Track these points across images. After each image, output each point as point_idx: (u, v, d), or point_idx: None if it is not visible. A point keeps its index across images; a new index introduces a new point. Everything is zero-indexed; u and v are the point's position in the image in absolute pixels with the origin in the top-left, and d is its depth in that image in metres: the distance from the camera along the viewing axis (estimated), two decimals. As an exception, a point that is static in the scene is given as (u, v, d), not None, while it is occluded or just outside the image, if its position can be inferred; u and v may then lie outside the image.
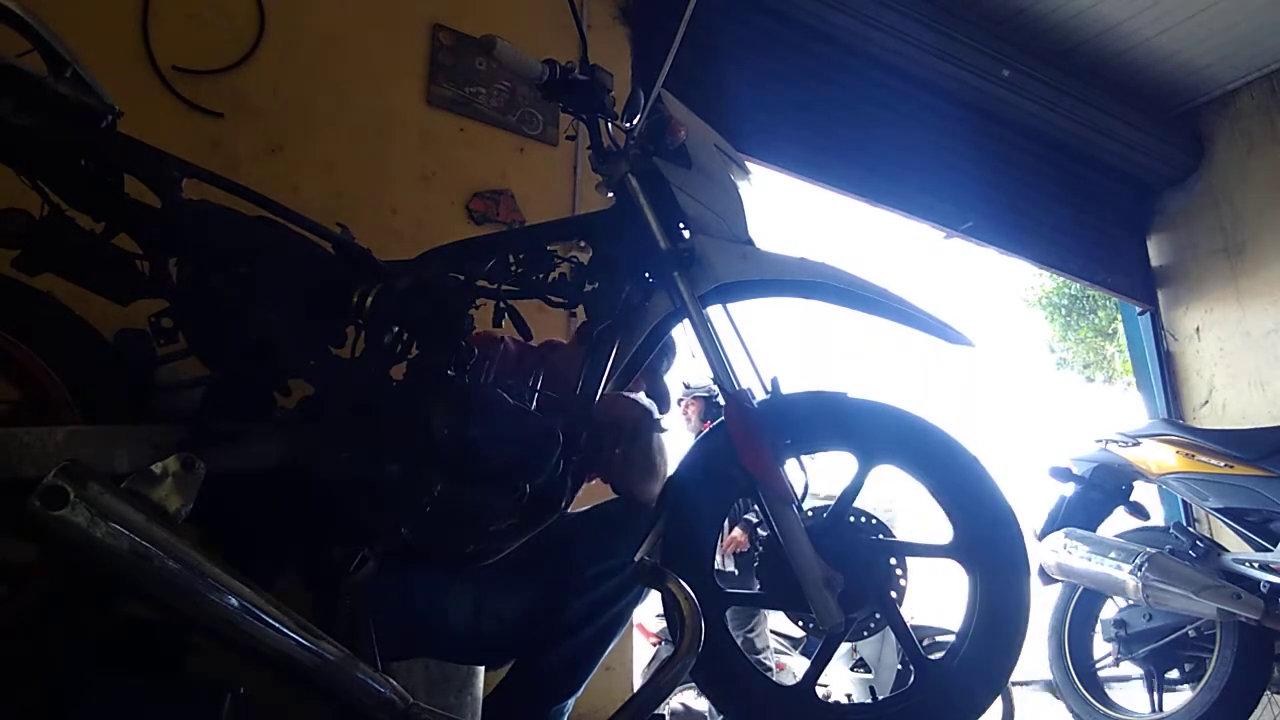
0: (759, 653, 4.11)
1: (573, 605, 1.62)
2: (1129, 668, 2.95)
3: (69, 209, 1.30)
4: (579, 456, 1.51)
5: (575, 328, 1.63)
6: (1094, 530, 2.90)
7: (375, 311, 1.39)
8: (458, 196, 2.78)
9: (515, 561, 1.55)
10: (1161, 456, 2.79)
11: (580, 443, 1.52)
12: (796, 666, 5.09)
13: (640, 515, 1.66)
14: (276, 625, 1.13)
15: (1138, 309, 5.01)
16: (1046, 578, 2.94)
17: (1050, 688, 3.09)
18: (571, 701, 1.69)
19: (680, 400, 4.49)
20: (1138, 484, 2.96)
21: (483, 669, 1.80)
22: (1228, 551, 2.64)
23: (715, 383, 1.58)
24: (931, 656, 1.61)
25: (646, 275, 1.61)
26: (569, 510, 1.58)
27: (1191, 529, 2.92)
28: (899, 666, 4.64)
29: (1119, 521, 2.96)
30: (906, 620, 1.58)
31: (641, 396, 1.76)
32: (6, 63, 1.19)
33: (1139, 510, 2.94)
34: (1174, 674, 2.85)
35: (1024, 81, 4.34)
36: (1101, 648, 3.04)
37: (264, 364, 1.34)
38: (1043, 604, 3.09)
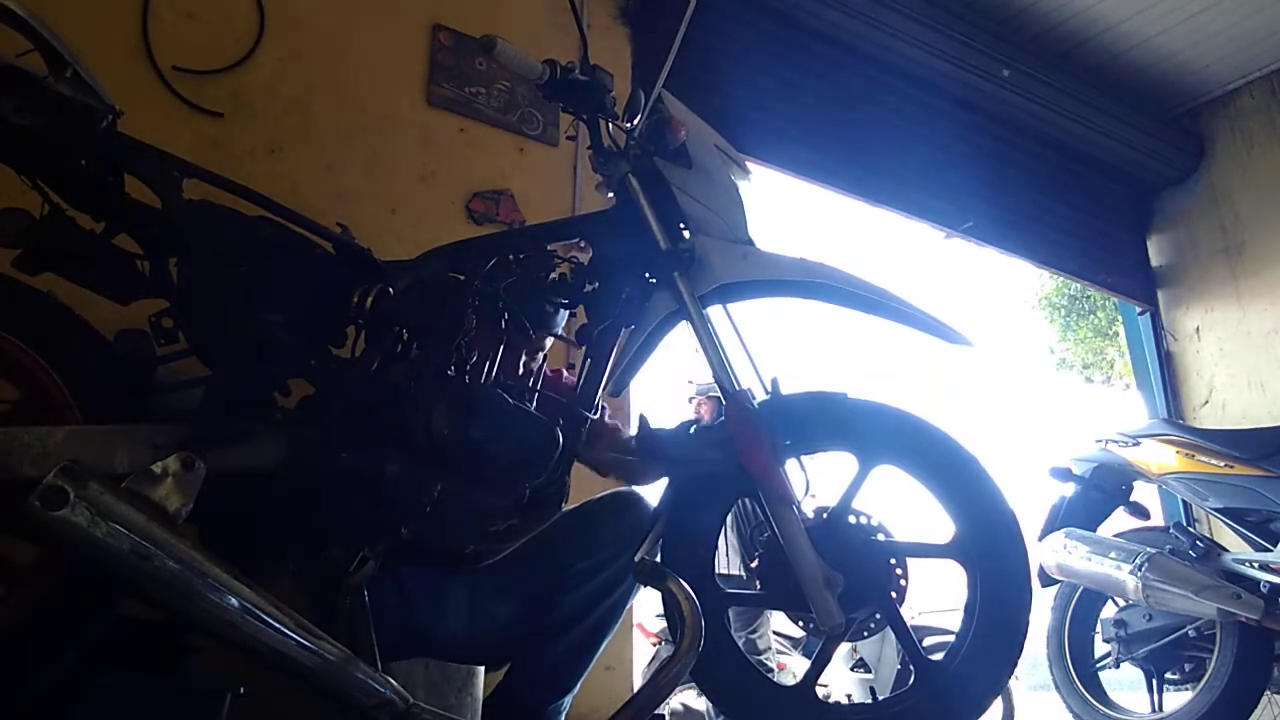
0: (761, 654, 4.11)
1: (564, 602, 1.62)
2: (1129, 668, 2.95)
3: (69, 209, 1.31)
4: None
5: (575, 328, 1.63)
6: (1094, 530, 2.89)
7: (375, 311, 1.39)
8: (458, 196, 2.78)
9: (506, 561, 1.55)
10: (1161, 456, 2.79)
11: (580, 443, 1.52)
12: (797, 666, 5.10)
13: (627, 510, 1.66)
14: (276, 625, 1.13)
15: (1138, 309, 5.00)
16: (1046, 578, 2.94)
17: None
18: (569, 699, 1.69)
19: (691, 399, 4.49)
20: (1138, 484, 2.96)
21: (482, 669, 1.80)
22: (1228, 551, 2.64)
23: (715, 382, 1.58)
24: (932, 656, 1.62)
25: (647, 275, 1.61)
26: None
27: (1191, 529, 2.91)
28: (899, 666, 4.65)
29: (1119, 521, 2.96)
30: (906, 620, 1.58)
31: None
32: (6, 63, 1.19)
33: (1139, 510, 2.94)
34: (1174, 674, 2.85)
35: (1024, 81, 4.33)
36: (1101, 648, 3.04)
37: (264, 364, 1.34)
38: (1043, 604, 3.09)
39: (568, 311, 1.67)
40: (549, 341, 1.81)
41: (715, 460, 1.54)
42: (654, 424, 1.69)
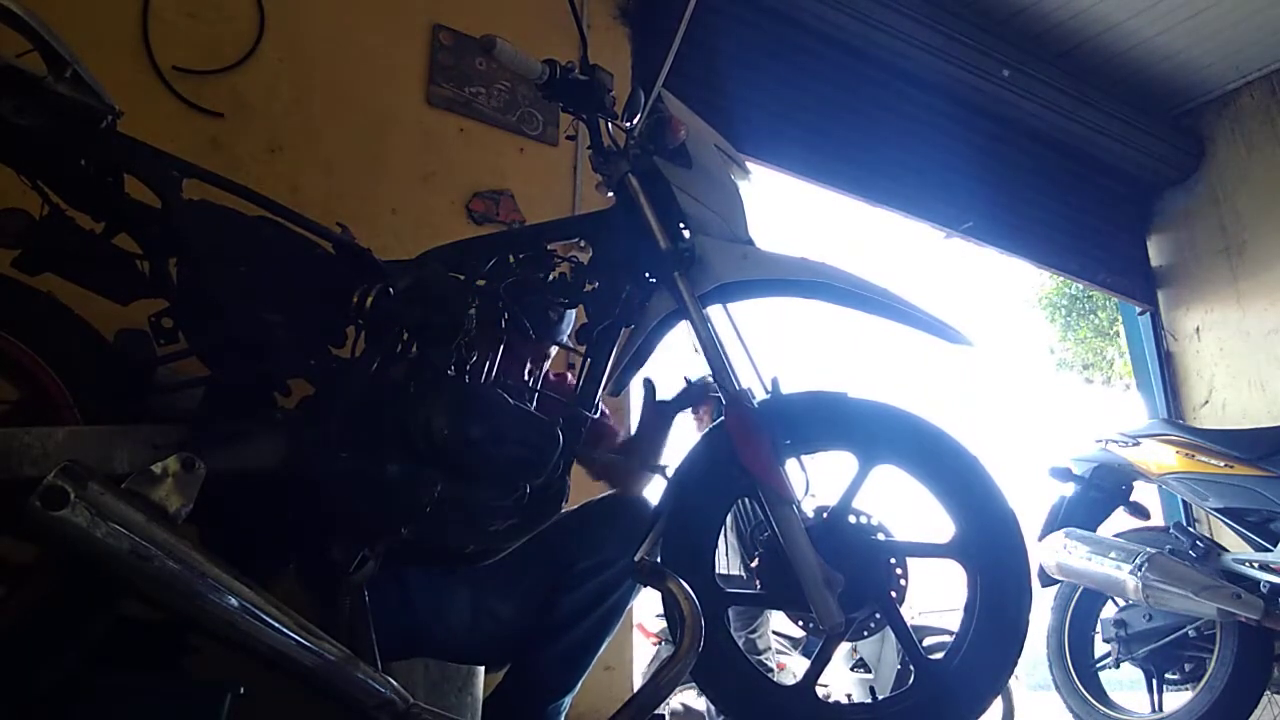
0: (761, 653, 4.10)
1: (565, 601, 1.62)
2: (1129, 668, 2.95)
3: (69, 209, 1.30)
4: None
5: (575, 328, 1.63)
6: (1094, 530, 2.89)
7: (375, 311, 1.39)
8: (458, 196, 2.78)
9: (508, 561, 1.55)
10: (1161, 456, 2.79)
11: (580, 442, 1.52)
12: (797, 666, 5.09)
13: (628, 511, 1.67)
14: (276, 625, 1.12)
15: (1138, 309, 5.01)
16: (1046, 578, 2.93)
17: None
18: (569, 699, 1.69)
19: None
20: (1138, 484, 2.96)
21: (482, 669, 1.80)
22: (1228, 551, 2.64)
23: (715, 382, 1.58)
24: (932, 656, 1.62)
25: (647, 275, 1.61)
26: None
27: (1191, 529, 2.91)
28: (899, 666, 4.65)
29: (1119, 521, 2.96)
30: (906, 620, 1.58)
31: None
32: (6, 63, 1.19)
33: (1139, 510, 2.94)
34: (1174, 674, 2.85)
35: (1024, 81, 4.33)
36: (1101, 648, 3.04)
37: (264, 364, 1.34)
38: (1043, 604, 3.09)
39: (571, 317, 1.67)
40: (554, 348, 1.81)
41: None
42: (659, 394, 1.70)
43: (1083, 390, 8.35)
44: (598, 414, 1.58)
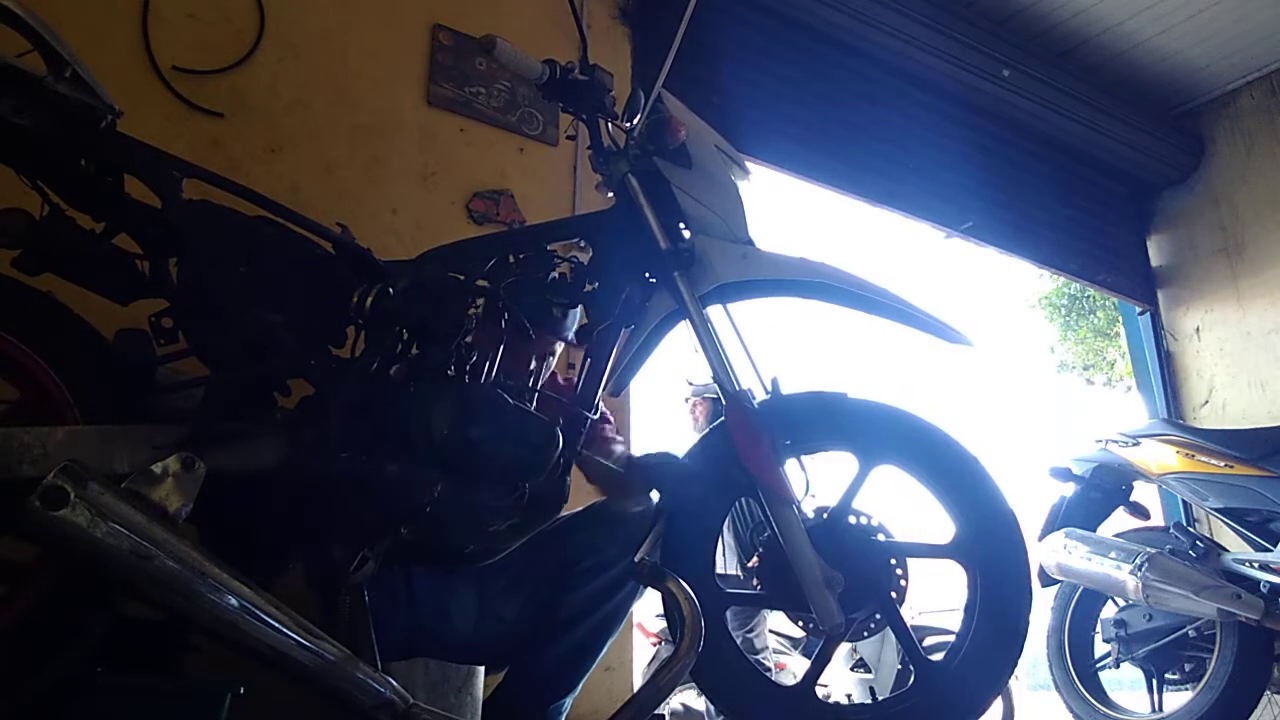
0: (759, 653, 4.10)
1: (567, 601, 1.62)
2: (1129, 668, 2.96)
3: (69, 209, 1.31)
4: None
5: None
6: (1094, 530, 2.89)
7: (375, 311, 1.39)
8: (458, 196, 2.78)
9: (513, 562, 1.55)
10: (1161, 456, 2.79)
11: (580, 443, 1.52)
12: (796, 666, 5.09)
13: (633, 512, 1.67)
14: (276, 625, 1.13)
15: (1138, 309, 5.01)
16: (1046, 578, 2.94)
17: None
18: (570, 699, 1.69)
19: (688, 399, 4.49)
20: (1138, 484, 2.96)
21: (482, 669, 1.80)
22: (1228, 551, 2.64)
23: (715, 382, 1.58)
24: (932, 657, 1.62)
25: (647, 275, 1.61)
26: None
27: (1191, 529, 2.91)
28: (899, 666, 4.65)
29: (1119, 521, 2.96)
30: (906, 620, 1.58)
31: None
32: (6, 63, 1.19)
33: (1139, 510, 2.94)
34: (1174, 674, 2.85)
35: (1024, 81, 4.34)
36: (1101, 648, 3.04)
37: (264, 364, 1.34)
38: (1043, 604, 3.09)
39: (575, 316, 1.67)
40: (559, 345, 1.81)
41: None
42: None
43: (1083, 391, 8.35)
44: (598, 414, 1.57)
